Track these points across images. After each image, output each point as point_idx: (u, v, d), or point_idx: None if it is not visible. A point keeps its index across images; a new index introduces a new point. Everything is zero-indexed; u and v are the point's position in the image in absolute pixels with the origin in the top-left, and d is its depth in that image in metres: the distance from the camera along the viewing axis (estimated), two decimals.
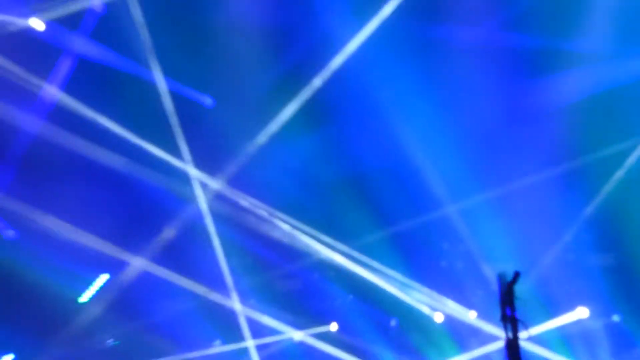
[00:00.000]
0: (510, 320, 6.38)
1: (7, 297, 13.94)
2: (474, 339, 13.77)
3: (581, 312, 12.71)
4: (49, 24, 11.94)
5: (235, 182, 12.95)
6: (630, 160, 12.78)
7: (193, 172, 12.86)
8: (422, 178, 12.88)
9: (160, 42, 12.07)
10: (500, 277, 6.80)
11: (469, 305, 13.88)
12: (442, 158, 12.86)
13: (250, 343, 13.78)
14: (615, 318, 13.58)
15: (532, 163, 12.85)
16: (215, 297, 13.52)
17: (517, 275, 6.23)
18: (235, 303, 13.50)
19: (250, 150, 12.75)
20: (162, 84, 12.16)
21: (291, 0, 12.56)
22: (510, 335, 6.12)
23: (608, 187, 12.81)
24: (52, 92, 12.29)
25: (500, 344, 12.63)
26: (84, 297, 13.94)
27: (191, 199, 12.91)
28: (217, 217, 13.04)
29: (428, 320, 14.08)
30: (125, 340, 14.13)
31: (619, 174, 12.90)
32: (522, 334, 6.25)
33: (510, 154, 12.86)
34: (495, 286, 8.03)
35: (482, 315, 13.75)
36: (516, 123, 12.63)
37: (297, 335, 14.05)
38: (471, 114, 12.59)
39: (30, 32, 12.26)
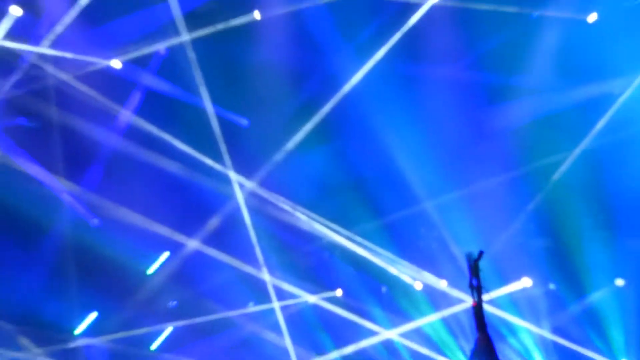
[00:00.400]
0: (476, 288, 7.92)
1: (92, 270, 15.00)
2: (445, 302, 15.07)
3: (526, 282, 14.23)
4: (125, 64, 13.53)
5: (265, 183, 14.53)
6: (563, 168, 14.34)
7: (233, 175, 14.25)
8: (407, 180, 14.21)
9: (208, 77, 13.66)
10: (468, 256, 8.03)
11: (441, 276, 14.98)
12: (422, 165, 14.26)
13: (275, 305, 15.04)
14: (552, 286, 15.24)
15: (489, 169, 14.39)
16: (249, 269, 14.83)
17: (481, 253, 7.70)
18: (264, 274, 14.75)
19: (277, 159, 14.39)
20: (210, 108, 13.75)
21: (308, 47, 14.12)
22: (476, 299, 7.73)
23: (546, 188, 14.56)
24: (128, 115, 14.14)
25: (465, 306, 14.32)
26: (151, 270, 15.47)
27: (231, 196, 14.51)
28: (251, 209, 14.43)
29: (410, 287, 15.36)
30: (182, 303, 15.75)
31: (554, 177, 14.46)
32: (484, 298, 8.00)
33: (473, 162, 14.47)
34: (462, 262, 9.51)
35: (452, 283, 14.76)
36: (478, 139, 14.48)
37: (311, 298, 15.57)
38: (444, 132, 14.17)
39: (111, 69, 13.64)
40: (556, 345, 15.06)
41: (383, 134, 14.11)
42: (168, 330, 16.03)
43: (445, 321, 15.35)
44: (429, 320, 15.45)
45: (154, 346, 16.28)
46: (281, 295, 15.09)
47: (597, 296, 14.79)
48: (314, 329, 16.04)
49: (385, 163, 14.30)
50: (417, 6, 13.84)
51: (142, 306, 15.41)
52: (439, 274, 14.96)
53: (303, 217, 14.92)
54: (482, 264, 6.04)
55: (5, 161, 13.65)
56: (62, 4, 12.96)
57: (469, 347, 14.54)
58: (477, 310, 6.27)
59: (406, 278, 15.25)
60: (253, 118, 14.42)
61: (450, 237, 14.51)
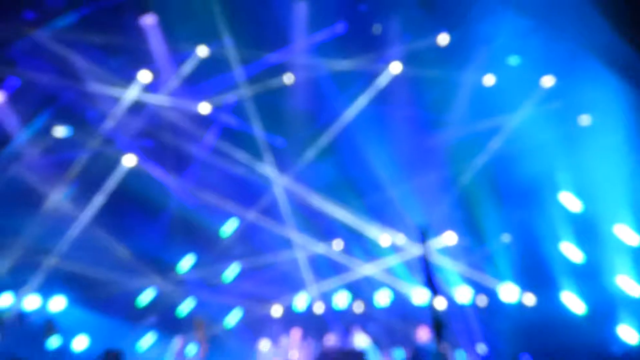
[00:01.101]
0: (424, 243, 8.07)
1: (190, 231, 18.91)
2: (403, 251, 18.26)
3: (451, 236, 17.33)
4: (213, 108, 17.53)
5: (294, 178, 18.21)
6: (471, 168, 17.88)
7: (274, 173, 18.04)
8: (379, 177, 17.93)
9: (260, 115, 17.55)
10: (420, 226, 8.40)
11: (408, 234, 17.97)
12: (387, 168, 17.84)
13: (299, 254, 18.55)
14: (465, 240, 18.04)
15: (428, 170, 17.66)
16: (282, 230, 18.30)
17: (427, 226, 8.48)
18: (292, 233, 18.23)
19: (300, 164, 18.14)
20: (260, 134, 17.72)
21: (319, 97, 17.96)
22: (424, 250, 7.87)
23: (462, 181, 18.03)
24: (211, 138, 17.96)
25: (416, 253, 16.73)
26: (225, 231, 18.78)
27: (273, 186, 18.28)
28: (285, 194, 18.30)
29: (377, 242, 18.60)
30: (244, 254, 18.86)
31: (467, 174, 18.08)
32: (428, 249, 8.00)
33: (419, 166, 17.65)
34: (414, 227, 12.86)
35: (408, 238, 17.94)
36: (422, 152, 17.73)
37: (320, 248, 18.54)
38: (401, 148, 17.70)
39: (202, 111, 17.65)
40: (468, 275, 18.34)
41: (365, 149, 17.61)
42: (234, 267, 18.80)
43: (403, 262, 18.68)
44: (392, 261, 18.66)
45: (225, 276, 19.16)
46: (302, 247, 18.59)
47: (492, 245, 18.07)
48: (323, 266, 19.00)
49: (366, 167, 17.77)
50: (385, 74, 17.56)
51: (220, 253, 18.80)
52: (399, 231, 18.36)
53: (316, 198, 18.17)
54: (425, 227, 8.39)
55: (139, 167, 17.32)
56: (172, 71, 16.76)
57: (419, 277, 16.79)
58: (425, 257, 8.20)
59: (378, 234, 18.38)
60: (286, 139, 18.28)
61: (406, 211, 17.56)
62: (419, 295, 18.08)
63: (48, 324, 16.18)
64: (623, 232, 15.91)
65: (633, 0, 12.58)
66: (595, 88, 14.81)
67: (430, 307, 8.23)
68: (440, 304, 8.70)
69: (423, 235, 9.25)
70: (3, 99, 15.76)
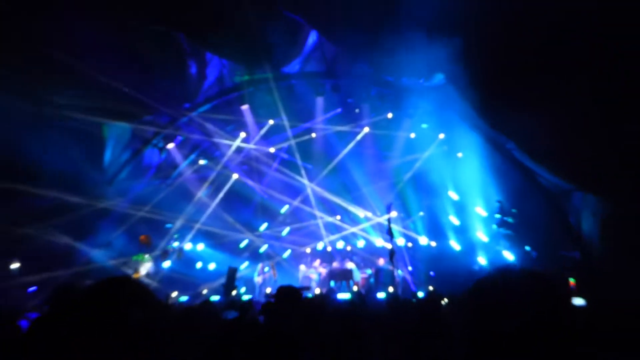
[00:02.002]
0: (388, 213, 13.36)
1: (264, 210, 22.00)
2: (371, 220, 21.00)
3: (395, 213, 18.16)
4: (276, 150, 20.83)
5: (317, 184, 21.32)
6: (404, 179, 20.76)
7: (307, 182, 21.18)
8: (358, 183, 21.14)
9: (300, 153, 20.65)
10: (387, 205, 13.93)
11: (373, 211, 20.40)
12: (362, 179, 21.06)
13: (319, 222, 21.56)
14: (402, 215, 20.69)
15: (382, 179, 21.29)
16: (310, 210, 21.35)
17: (390, 205, 13.33)
18: (315, 212, 21.39)
19: (319, 177, 21.26)
20: (299, 162, 21.09)
21: (327, 145, 20.78)
22: (388, 217, 13.07)
23: (399, 185, 20.88)
24: (275, 165, 21.18)
25: (379, 220, 20.48)
26: (282, 211, 21.84)
27: (306, 188, 21.16)
28: (313, 193, 21.07)
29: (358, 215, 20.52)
30: (291, 222, 22.53)
31: (402, 182, 21.09)
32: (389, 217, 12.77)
33: (378, 177, 20.91)
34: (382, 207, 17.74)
35: (372, 213, 20.45)
36: (379, 171, 20.91)
37: (329, 218, 21.61)
38: (369, 169, 20.76)
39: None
40: (403, 232, 20.95)
41: (352, 169, 21.05)
42: (287, 229, 22.01)
43: (371, 225, 21.29)
44: (366, 224, 21.43)
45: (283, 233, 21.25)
46: (320, 218, 21.33)
47: (414, 217, 21.40)
48: (331, 228, 22.09)
49: (351, 178, 21.18)
50: (362, 133, 20.33)
51: (279, 222, 22.65)
52: (368, 210, 20.86)
53: (328, 194, 21.07)
54: (389, 205, 13.50)
55: (240, 179, 21.05)
56: (256, 132, 20.10)
57: (380, 232, 20.30)
58: (389, 224, 13.26)
59: (358, 211, 21.35)
60: (312, 165, 21.54)
61: (372, 199, 20.95)
62: (379, 242, 20.87)
63: (179, 252, 19.23)
64: (479, 209, 18.40)
65: (483, 91, 13.75)
66: (464, 138, 17.19)
67: (388, 248, 12.99)
68: (391, 245, 13.35)
69: (388, 209, 13.89)
70: (174, 146, 18.76)
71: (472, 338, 1.68)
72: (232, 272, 13.91)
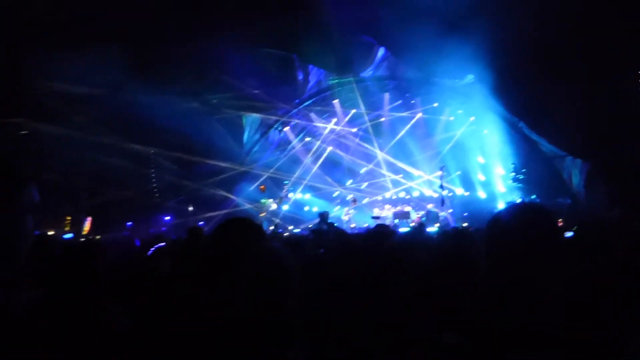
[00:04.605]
0: (442, 171, 17.14)
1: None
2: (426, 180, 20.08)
3: (439, 172, 16.30)
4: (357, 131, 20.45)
5: (386, 153, 19.96)
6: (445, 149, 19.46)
7: (378, 152, 20.00)
8: (414, 152, 19.99)
9: (373, 132, 20.12)
10: (441, 166, 15.18)
11: (424, 171, 19.95)
12: (416, 149, 20.00)
13: (387, 178, 20.20)
14: (456, 174, 19.82)
15: (430, 149, 19.80)
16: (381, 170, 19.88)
17: (443, 166, 17.54)
18: (384, 172, 19.87)
19: (387, 148, 20.02)
20: (372, 138, 20.15)
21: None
22: (442, 174, 17.34)
23: (448, 147, 20.21)
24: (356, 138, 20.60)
25: (432, 178, 20.89)
26: (361, 171, 20.80)
27: (377, 156, 20.12)
28: (383, 160, 19.68)
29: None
30: (368, 179, 20.86)
31: (444, 151, 19.53)
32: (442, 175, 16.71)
33: (429, 148, 19.85)
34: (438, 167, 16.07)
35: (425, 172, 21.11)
36: (432, 144, 19.98)
37: (394, 176, 20.15)
38: (429, 143, 19.88)
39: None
40: (447, 187, 18.76)
41: (408, 142, 20.06)
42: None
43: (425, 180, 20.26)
44: (420, 180, 20.60)
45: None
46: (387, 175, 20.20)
47: (454, 174, 19.87)
48: (395, 185, 20.46)
49: (409, 149, 20.16)
50: (414, 117, 19.92)
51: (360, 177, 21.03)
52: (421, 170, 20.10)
53: (394, 161, 20.06)
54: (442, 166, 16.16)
55: (333, 151, 20.56)
56: (343, 118, 20.13)
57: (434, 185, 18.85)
58: (442, 177, 17.13)
59: (413, 171, 20.17)
60: (383, 140, 20.35)
61: (426, 163, 19.97)
62: (428, 192, 20.29)
63: (281, 199, 19.61)
64: (499, 169, 18.47)
65: (501, 86, 14.40)
66: (489, 119, 17.34)
67: (436, 196, 15.10)
68: (441, 193, 15.24)
69: (441, 169, 15.78)
70: (289, 128, 20.17)
71: (490, 253, 1.58)
72: (324, 214, 13.60)
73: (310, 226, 14.18)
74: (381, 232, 3.93)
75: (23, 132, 12.13)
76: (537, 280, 1.43)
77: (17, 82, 11.15)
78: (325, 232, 5.88)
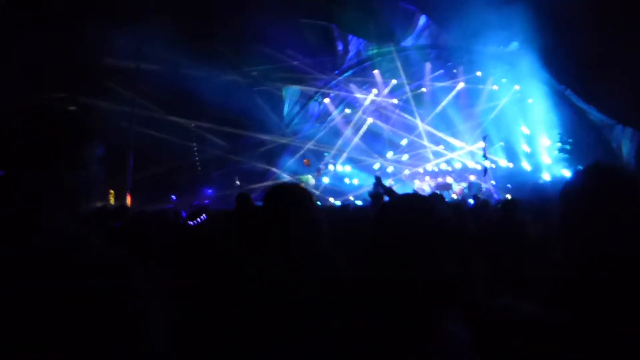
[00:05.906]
0: (484, 140, 16.16)
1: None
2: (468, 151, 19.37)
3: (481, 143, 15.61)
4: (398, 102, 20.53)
5: (427, 124, 19.47)
6: (490, 117, 18.68)
7: (419, 122, 19.61)
8: (456, 123, 19.48)
9: (415, 103, 19.95)
10: (484, 135, 15.91)
11: (466, 142, 19.26)
12: (458, 119, 19.46)
13: (428, 149, 19.78)
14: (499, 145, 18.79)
15: (474, 119, 19.18)
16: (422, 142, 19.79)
17: (486, 135, 18.37)
18: (426, 143, 19.48)
19: (428, 119, 19.61)
20: (414, 109, 21.73)
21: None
22: (485, 143, 17.23)
23: (486, 123, 19.37)
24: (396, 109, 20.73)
25: (474, 149, 19.79)
26: (402, 142, 20.33)
27: (418, 127, 19.62)
28: (424, 131, 19.58)
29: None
30: (409, 151, 20.32)
31: (488, 120, 18.74)
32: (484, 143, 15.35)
33: (470, 118, 19.49)
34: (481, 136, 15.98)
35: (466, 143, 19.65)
36: (473, 115, 19.34)
37: (435, 147, 19.63)
38: (470, 114, 19.36)
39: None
40: (490, 158, 16.68)
41: (450, 113, 19.51)
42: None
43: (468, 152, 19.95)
44: (462, 152, 19.60)
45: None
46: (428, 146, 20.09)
47: (498, 144, 18.87)
48: (437, 156, 19.96)
49: (451, 120, 19.54)
50: (456, 87, 19.33)
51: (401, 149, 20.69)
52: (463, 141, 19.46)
53: (435, 132, 19.63)
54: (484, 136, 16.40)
55: (374, 123, 19.96)
56: (383, 89, 19.73)
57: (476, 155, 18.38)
58: (484, 146, 17.32)
59: (455, 142, 19.52)
60: (424, 110, 19.82)
61: (468, 134, 19.46)
62: (470, 164, 19.67)
63: (319, 170, 19.23)
64: (544, 140, 17.49)
65: (547, 53, 13.79)
66: (534, 87, 16.34)
67: (477, 168, 14.42)
68: (484, 164, 14.43)
69: (483, 139, 14.95)
70: (329, 100, 20.13)
71: (568, 225, 1.40)
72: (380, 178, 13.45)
73: (367, 191, 14.62)
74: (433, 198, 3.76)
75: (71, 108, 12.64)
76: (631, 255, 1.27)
77: (70, 56, 11.26)
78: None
